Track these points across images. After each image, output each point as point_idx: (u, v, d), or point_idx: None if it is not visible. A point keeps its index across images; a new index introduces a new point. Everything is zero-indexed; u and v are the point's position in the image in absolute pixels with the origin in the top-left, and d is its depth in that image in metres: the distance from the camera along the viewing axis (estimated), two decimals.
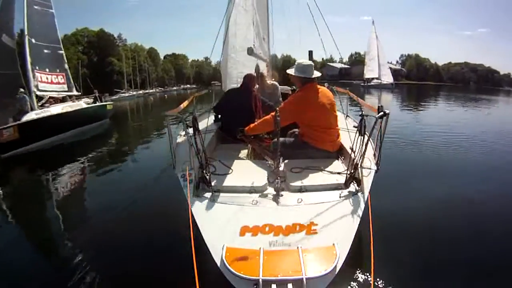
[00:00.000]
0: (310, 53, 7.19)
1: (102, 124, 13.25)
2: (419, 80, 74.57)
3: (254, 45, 3.40)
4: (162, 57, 66.63)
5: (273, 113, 2.69)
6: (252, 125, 3.05)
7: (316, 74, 3.00)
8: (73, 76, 13.39)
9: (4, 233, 3.85)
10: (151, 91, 46.32)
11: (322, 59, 59.76)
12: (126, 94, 38.06)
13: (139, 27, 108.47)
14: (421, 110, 19.15)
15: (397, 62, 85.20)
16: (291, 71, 3.03)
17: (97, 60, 45.00)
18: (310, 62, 3.03)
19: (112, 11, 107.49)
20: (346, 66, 77.23)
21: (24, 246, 3.55)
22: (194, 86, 65.68)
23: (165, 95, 42.25)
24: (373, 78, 38.32)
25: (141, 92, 42.61)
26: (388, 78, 38.62)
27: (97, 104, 13.85)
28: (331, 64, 71.22)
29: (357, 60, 75.60)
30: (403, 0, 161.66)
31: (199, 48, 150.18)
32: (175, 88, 59.80)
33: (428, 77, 78.30)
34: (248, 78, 3.89)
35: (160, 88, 52.78)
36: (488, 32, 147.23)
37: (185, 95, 43.55)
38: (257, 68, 4.12)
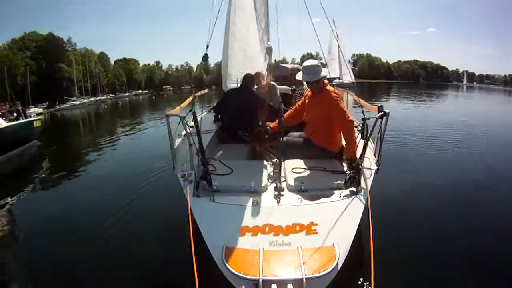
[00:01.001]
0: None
1: (30, 148, 9.57)
2: (371, 79, 79.31)
3: (269, 43, 3.48)
4: (112, 62, 63.25)
5: (296, 107, 3.04)
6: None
7: (323, 73, 2.93)
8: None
9: None
10: (103, 98, 43.68)
11: (275, 60, 60.59)
12: (77, 102, 35.53)
13: (89, 32, 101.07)
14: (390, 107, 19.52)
15: (349, 61, 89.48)
16: (300, 76, 3.13)
17: (46, 66, 41.50)
18: (315, 63, 2.96)
19: (62, 15, 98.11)
20: (299, 67, 78.64)
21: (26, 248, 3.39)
22: (146, 91, 63.31)
23: (119, 102, 40.05)
24: (334, 78, 39.02)
25: (92, 99, 40.01)
26: (349, 77, 39.74)
27: (21, 121, 10.47)
28: (283, 65, 71.55)
29: None
30: (351, 1, 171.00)
31: (150, 51, 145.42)
32: (127, 94, 55.82)
33: (380, 75, 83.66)
34: (247, 78, 3.86)
35: (111, 95, 49.81)
36: (436, 31, 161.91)
37: (138, 101, 40.94)
38: (268, 68, 4.03)
